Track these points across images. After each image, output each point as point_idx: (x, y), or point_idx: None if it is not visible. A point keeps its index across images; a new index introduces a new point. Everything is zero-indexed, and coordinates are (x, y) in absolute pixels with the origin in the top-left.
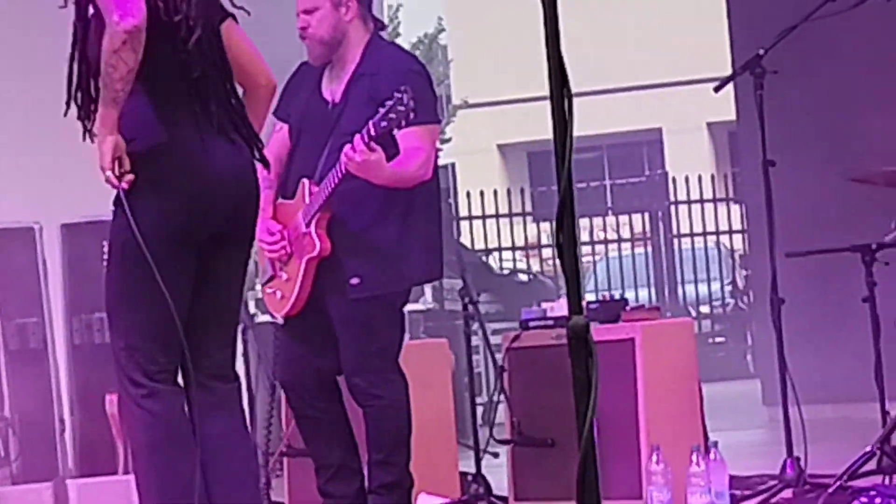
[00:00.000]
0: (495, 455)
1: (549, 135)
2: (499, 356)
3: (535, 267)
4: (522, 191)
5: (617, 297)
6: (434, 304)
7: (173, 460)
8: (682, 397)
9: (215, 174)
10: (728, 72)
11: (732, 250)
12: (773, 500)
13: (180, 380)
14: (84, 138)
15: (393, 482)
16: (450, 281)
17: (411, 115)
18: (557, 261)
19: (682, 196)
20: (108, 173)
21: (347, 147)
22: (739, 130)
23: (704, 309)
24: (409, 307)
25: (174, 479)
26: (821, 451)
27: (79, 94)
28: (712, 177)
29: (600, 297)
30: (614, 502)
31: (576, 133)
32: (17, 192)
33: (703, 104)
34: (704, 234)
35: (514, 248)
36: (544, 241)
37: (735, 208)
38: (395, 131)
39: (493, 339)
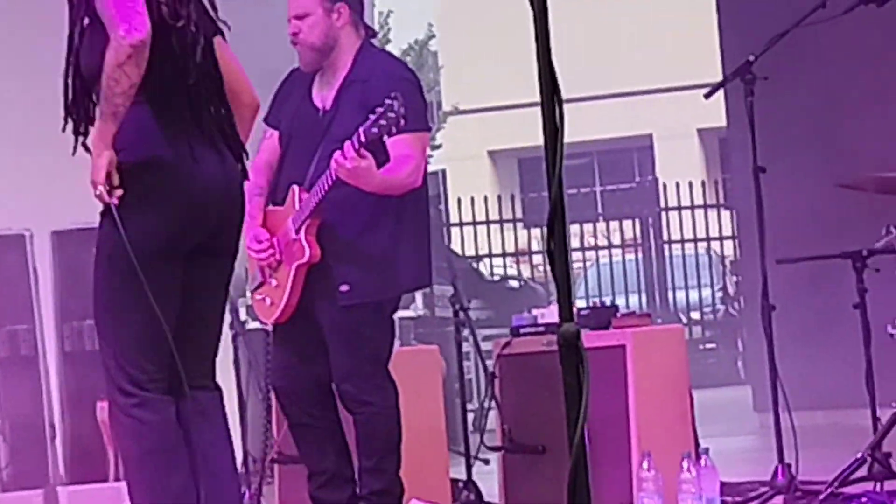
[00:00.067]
0: (486, 462)
1: (540, 141)
2: (489, 363)
3: (526, 273)
4: (513, 197)
5: (607, 303)
6: (425, 311)
7: (165, 469)
8: (673, 404)
9: (204, 186)
10: (718, 78)
11: (723, 256)
12: None
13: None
14: (74, 152)
15: (383, 489)
16: (440, 287)
17: (402, 122)
18: (548, 267)
19: (672, 202)
20: (101, 188)
21: (338, 154)
22: (730, 137)
23: (695, 315)
24: (399, 314)
25: (166, 488)
26: (812, 458)
27: (73, 108)
28: (703, 183)
29: (591, 304)
30: None
31: (566, 139)
32: (8, 199)
33: (694, 110)
34: (695, 240)
35: (504, 255)
36: (535, 247)
37: (726, 214)
38: (386, 138)
39: (484, 346)
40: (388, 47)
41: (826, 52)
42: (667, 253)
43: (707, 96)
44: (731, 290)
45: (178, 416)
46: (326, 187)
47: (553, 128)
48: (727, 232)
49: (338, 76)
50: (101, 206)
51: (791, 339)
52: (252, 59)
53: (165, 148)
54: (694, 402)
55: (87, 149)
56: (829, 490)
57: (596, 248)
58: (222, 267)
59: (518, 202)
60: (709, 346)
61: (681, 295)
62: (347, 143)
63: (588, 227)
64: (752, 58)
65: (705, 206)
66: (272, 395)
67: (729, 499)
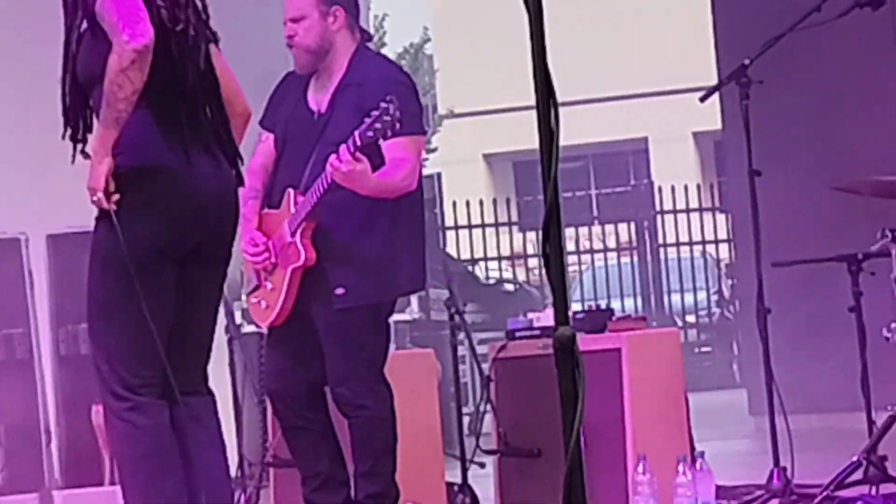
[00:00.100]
0: (482, 465)
1: (535, 144)
2: (485, 366)
3: (521, 277)
4: (508, 200)
5: (603, 306)
6: (420, 315)
7: (158, 472)
8: (669, 407)
9: (200, 191)
10: (714, 82)
11: (718, 260)
12: None
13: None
14: (74, 160)
15: (379, 493)
16: (436, 291)
17: (397, 126)
18: (543, 270)
19: (667, 206)
20: (100, 194)
21: (333, 157)
22: (725, 140)
23: (690, 318)
24: (395, 317)
25: (160, 492)
26: (807, 461)
27: (71, 115)
28: (698, 186)
29: (586, 307)
30: None
31: (561, 142)
32: (4, 202)
33: (689, 114)
34: (690, 243)
35: (499, 258)
36: (530, 250)
37: (721, 218)
38: (381, 142)
39: (480, 350)
40: (384, 51)
41: (821, 56)
42: (662, 256)
43: (702, 100)
44: (726, 293)
45: (171, 421)
46: (322, 191)
47: (549, 131)
48: (722, 235)
49: (333, 79)
50: (95, 210)
51: (786, 343)
52: (248, 62)
53: (163, 153)
54: (689, 405)
55: (86, 155)
56: (825, 493)
57: (591, 251)
58: (216, 272)
59: (513, 205)
60: (704, 349)
61: (676, 298)
62: (343, 147)
63: (583, 230)
64: (747, 61)
65: (700, 210)
66: (267, 399)
67: (724, 502)
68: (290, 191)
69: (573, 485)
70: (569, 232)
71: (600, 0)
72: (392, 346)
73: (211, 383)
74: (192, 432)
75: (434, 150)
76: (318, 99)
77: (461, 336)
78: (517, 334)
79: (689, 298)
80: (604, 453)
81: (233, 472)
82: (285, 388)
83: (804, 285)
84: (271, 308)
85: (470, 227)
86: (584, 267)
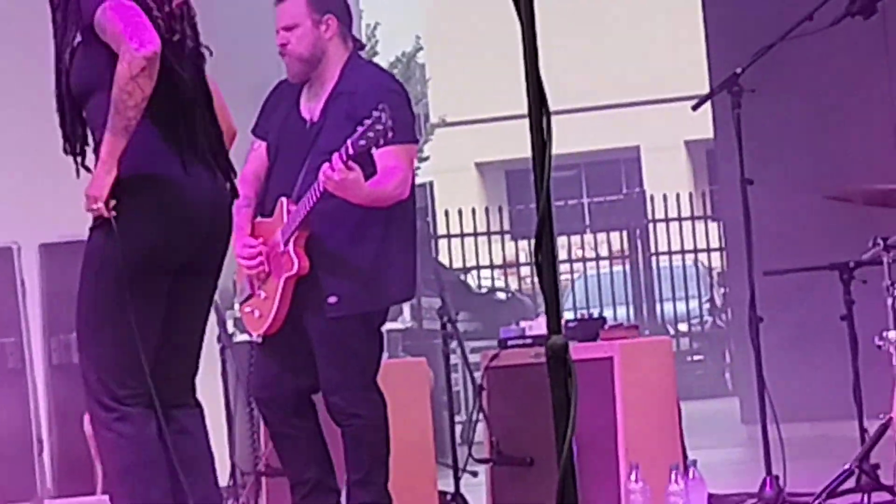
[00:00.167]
0: (474, 474)
1: (527, 153)
2: (477, 375)
3: (514, 285)
4: (500, 209)
5: (595, 315)
6: (413, 323)
7: (146, 482)
8: (661, 416)
9: (197, 201)
10: (706, 90)
11: (710, 268)
12: None
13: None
14: (78, 175)
15: (372, 501)
16: (428, 300)
17: (389, 135)
18: (536, 279)
19: (660, 214)
20: (101, 204)
21: (325, 166)
22: (717, 148)
23: (683, 327)
24: (387, 326)
25: (147, 501)
26: (799, 470)
27: (68, 129)
28: (690, 195)
29: (579, 316)
30: None
31: (553, 151)
32: None
33: (681, 122)
34: (682, 252)
35: (492, 267)
36: (522, 259)
37: (713, 226)
38: (373, 150)
39: (472, 358)
40: (376, 59)
41: (813, 65)
42: (654, 265)
43: (694, 108)
44: (718, 301)
45: (159, 433)
46: (314, 199)
47: (541, 141)
48: (714, 244)
49: (325, 88)
50: (89, 219)
51: (778, 351)
52: (240, 70)
53: (163, 162)
54: (682, 413)
55: (88, 169)
56: (817, 502)
57: (583, 259)
58: (207, 286)
59: (505, 214)
60: (696, 357)
61: (668, 307)
62: (335, 156)
63: (575, 238)
64: (739, 70)
65: (693, 218)
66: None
67: None
68: (283, 199)
69: (566, 493)
70: (561, 240)
71: (592, 9)
72: (384, 355)
73: (203, 392)
74: (180, 444)
75: (426, 158)
76: (310, 107)
77: (453, 345)
78: (509, 343)
79: (681, 307)
80: (596, 462)
81: (225, 481)
82: (274, 396)
83: (796, 294)
84: (264, 317)
85: (462, 235)
86: (576, 275)
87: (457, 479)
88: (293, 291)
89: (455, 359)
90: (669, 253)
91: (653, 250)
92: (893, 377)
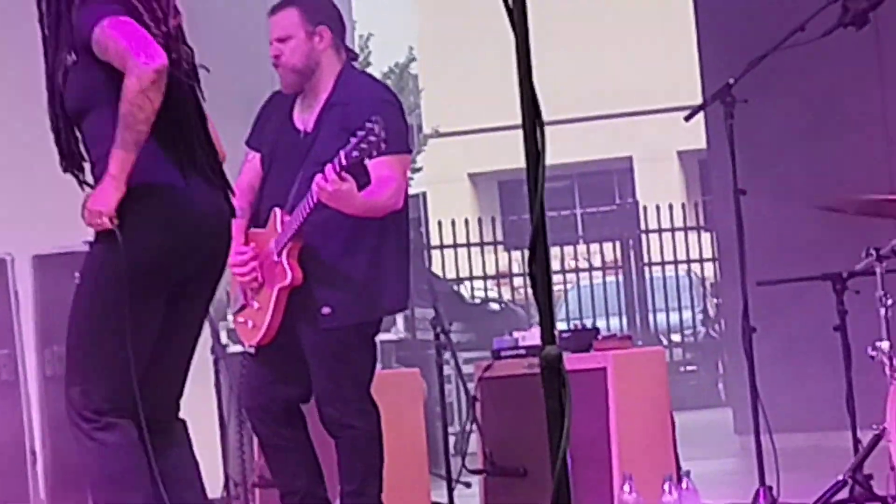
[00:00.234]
0: (468, 485)
1: (521, 163)
2: (471, 385)
3: (507, 296)
4: (493, 220)
5: (588, 326)
6: (406, 334)
7: (128, 490)
8: (654, 426)
9: (200, 214)
10: (698, 101)
11: (703, 279)
12: None
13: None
14: (83, 188)
15: None
16: (422, 310)
17: (383, 145)
18: (529, 290)
19: (652, 225)
20: (106, 218)
21: (319, 177)
22: (710, 159)
23: (676, 337)
24: (381, 337)
25: None
26: (793, 480)
27: (65, 147)
28: (683, 205)
29: (572, 327)
30: None
31: (547, 162)
32: None
33: (674, 133)
34: (675, 262)
35: (485, 277)
36: (515, 269)
37: (706, 237)
38: (367, 161)
39: (465, 369)
40: (369, 70)
41: (806, 75)
42: (647, 275)
43: (687, 119)
44: (711, 312)
45: (141, 441)
46: (308, 210)
47: (535, 152)
48: (707, 254)
49: (319, 99)
50: (82, 229)
51: (772, 361)
52: (234, 82)
53: (167, 173)
54: (675, 424)
55: (86, 184)
56: None
57: (576, 270)
58: (200, 303)
59: (498, 225)
60: (689, 368)
61: (661, 317)
62: (328, 166)
63: (568, 249)
64: (731, 80)
65: (686, 228)
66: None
67: None
68: (277, 210)
69: None
70: (554, 251)
71: (585, 19)
72: (378, 366)
73: (196, 404)
74: (164, 453)
75: (419, 169)
76: (304, 118)
77: (447, 355)
78: (503, 353)
79: (674, 317)
80: (590, 473)
81: (218, 492)
82: (264, 406)
83: (789, 304)
84: (258, 327)
85: (455, 246)
86: (569, 286)
87: (450, 490)
88: (287, 302)
89: (448, 369)
90: (662, 263)
91: (646, 261)
92: (886, 387)
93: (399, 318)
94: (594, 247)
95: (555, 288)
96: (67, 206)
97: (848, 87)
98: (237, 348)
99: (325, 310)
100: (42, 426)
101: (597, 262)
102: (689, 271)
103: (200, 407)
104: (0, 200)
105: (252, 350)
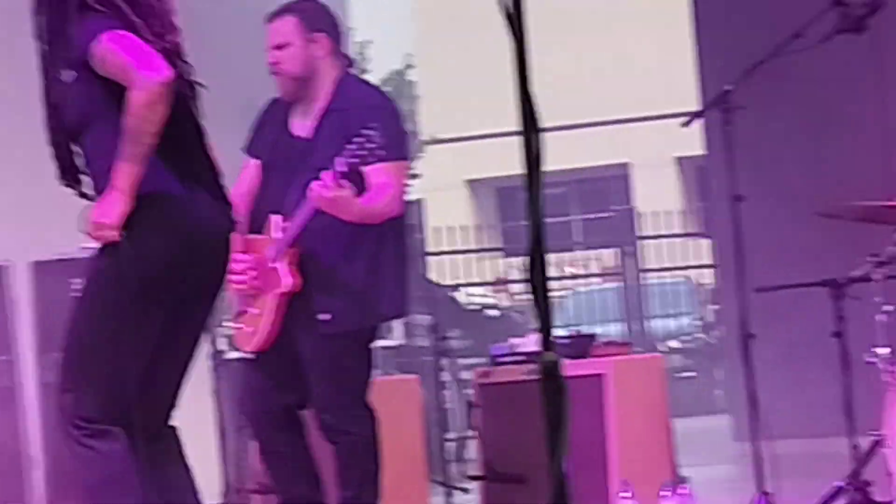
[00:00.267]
0: (466, 491)
1: (518, 170)
2: (469, 392)
3: (505, 302)
4: (491, 226)
5: (586, 332)
6: (404, 341)
7: (119, 495)
8: (653, 432)
9: (203, 223)
10: (696, 106)
11: (702, 285)
12: None
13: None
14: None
15: None
16: (420, 317)
17: (380, 152)
18: (526, 296)
19: (650, 231)
20: (114, 232)
21: (316, 183)
22: (708, 165)
23: (674, 344)
24: (378, 343)
25: None
26: (791, 487)
27: (63, 161)
28: (681, 212)
29: (570, 333)
30: None
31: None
32: None
33: (672, 139)
34: (674, 268)
35: (483, 284)
36: (513, 276)
37: (704, 243)
38: (365, 167)
39: (463, 375)
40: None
41: (804, 81)
42: (645, 282)
43: (685, 125)
44: (709, 318)
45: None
46: (306, 216)
47: (533, 160)
48: (706, 260)
49: (317, 105)
50: (80, 237)
51: (770, 368)
52: (232, 89)
53: (169, 183)
54: (673, 430)
55: (85, 197)
56: None
57: (574, 276)
58: (201, 314)
59: (496, 231)
60: (687, 374)
61: (659, 324)
62: (326, 173)
63: (567, 256)
64: (729, 87)
65: (684, 235)
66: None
67: None
68: (274, 217)
69: None
70: (551, 257)
71: (582, 26)
72: (376, 372)
73: (194, 410)
74: (157, 459)
75: (417, 176)
76: (302, 125)
77: (445, 362)
78: (501, 360)
79: (672, 324)
80: (588, 479)
81: (216, 498)
82: (263, 411)
83: (788, 310)
84: (256, 333)
85: (453, 252)
86: (567, 293)
87: (448, 497)
88: (285, 308)
89: (446, 376)
90: (661, 270)
91: (643, 267)
92: (884, 394)
93: (397, 325)
94: (592, 253)
95: (552, 294)
96: (66, 213)
97: (847, 92)
98: (236, 354)
99: (324, 316)
100: (41, 432)
101: (594, 269)
102: (687, 278)
103: (199, 413)
104: None
105: (251, 356)
